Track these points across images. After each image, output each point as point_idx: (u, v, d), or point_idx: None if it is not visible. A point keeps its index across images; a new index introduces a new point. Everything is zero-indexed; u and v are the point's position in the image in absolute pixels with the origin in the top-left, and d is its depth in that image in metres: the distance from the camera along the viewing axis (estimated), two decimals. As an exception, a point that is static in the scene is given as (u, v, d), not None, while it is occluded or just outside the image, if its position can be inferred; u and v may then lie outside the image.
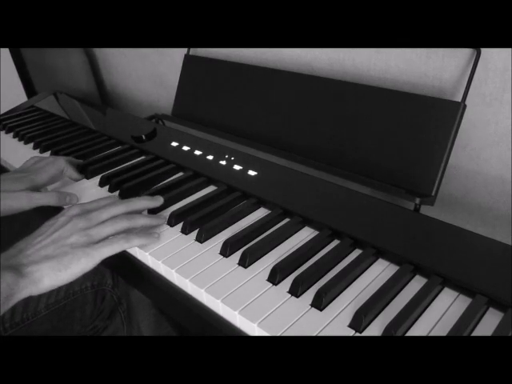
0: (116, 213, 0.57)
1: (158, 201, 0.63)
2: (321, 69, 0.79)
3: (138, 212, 0.61)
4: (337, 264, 0.51)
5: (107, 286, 0.75)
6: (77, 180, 0.75)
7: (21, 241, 0.54)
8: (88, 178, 0.75)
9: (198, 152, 0.76)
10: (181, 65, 0.95)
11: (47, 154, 0.86)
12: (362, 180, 0.64)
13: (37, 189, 0.66)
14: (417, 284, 0.47)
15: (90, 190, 0.72)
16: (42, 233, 0.54)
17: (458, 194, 0.70)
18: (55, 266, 0.50)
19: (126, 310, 0.80)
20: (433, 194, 0.59)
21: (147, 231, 0.58)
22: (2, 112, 1.12)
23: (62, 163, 0.71)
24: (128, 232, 0.56)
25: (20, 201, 0.62)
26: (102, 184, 0.73)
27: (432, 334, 0.42)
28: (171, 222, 0.60)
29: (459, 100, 0.59)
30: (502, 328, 0.41)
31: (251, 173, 0.68)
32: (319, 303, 0.45)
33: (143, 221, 0.58)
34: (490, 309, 0.44)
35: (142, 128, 0.88)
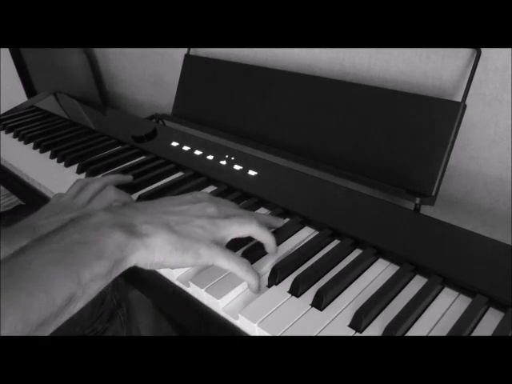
0: (245, 215, 0.49)
1: (280, 222, 0.56)
2: (321, 69, 0.79)
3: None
4: (337, 264, 0.51)
5: (107, 288, 0.75)
6: None
7: (132, 203, 0.46)
8: (88, 178, 0.75)
9: (198, 152, 0.76)
10: (181, 65, 0.95)
11: (47, 153, 0.86)
12: (362, 180, 0.64)
13: None
14: (417, 284, 0.47)
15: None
16: (164, 201, 0.46)
17: (458, 194, 0.70)
18: (173, 241, 0.41)
19: (126, 313, 0.80)
20: (433, 193, 0.59)
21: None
22: (2, 112, 1.12)
23: (112, 196, 0.60)
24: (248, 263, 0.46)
25: None
26: (102, 184, 0.72)
27: (432, 334, 0.42)
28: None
29: (459, 100, 0.59)
30: (502, 328, 0.41)
31: (251, 173, 0.68)
32: (319, 303, 0.45)
33: (270, 238, 0.49)
34: (490, 309, 0.44)
35: (142, 128, 0.88)
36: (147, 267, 0.41)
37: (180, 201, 0.47)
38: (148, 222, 0.41)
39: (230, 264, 0.44)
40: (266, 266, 0.51)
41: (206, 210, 0.46)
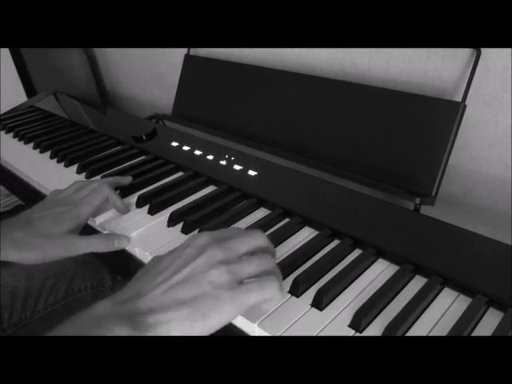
0: (254, 246, 0.44)
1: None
2: (321, 69, 0.79)
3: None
4: (337, 264, 0.51)
5: (106, 287, 0.75)
6: (122, 211, 0.64)
7: (134, 280, 0.41)
8: (88, 178, 0.75)
9: (197, 152, 0.76)
10: (181, 65, 0.95)
11: (47, 153, 0.86)
12: (362, 180, 0.64)
13: (80, 225, 0.58)
14: (417, 284, 0.47)
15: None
16: (165, 268, 0.40)
17: (458, 194, 0.70)
18: (190, 315, 0.36)
19: None
20: (433, 194, 0.59)
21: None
22: (2, 112, 1.12)
23: (106, 191, 0.61)
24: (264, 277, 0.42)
25: (65, 250, 0.53)
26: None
27: (432, 334, 0.42)
28: (171, 223, 0.60)
29: (459, 100, 0.59)
30: (502, 328, 0.41)
31: (251, 173, 0.68)
32: (319, 303, 0.45)
33: (273, 263, 0.44)
34: (490, 309, 0.44)
35: (142, 128, 0.88)
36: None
37: (182, 260, 0.41)
38: (155, 308, 0.37)
39: (263, 294, 0.39)
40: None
41: (213, 259, 0.40)
